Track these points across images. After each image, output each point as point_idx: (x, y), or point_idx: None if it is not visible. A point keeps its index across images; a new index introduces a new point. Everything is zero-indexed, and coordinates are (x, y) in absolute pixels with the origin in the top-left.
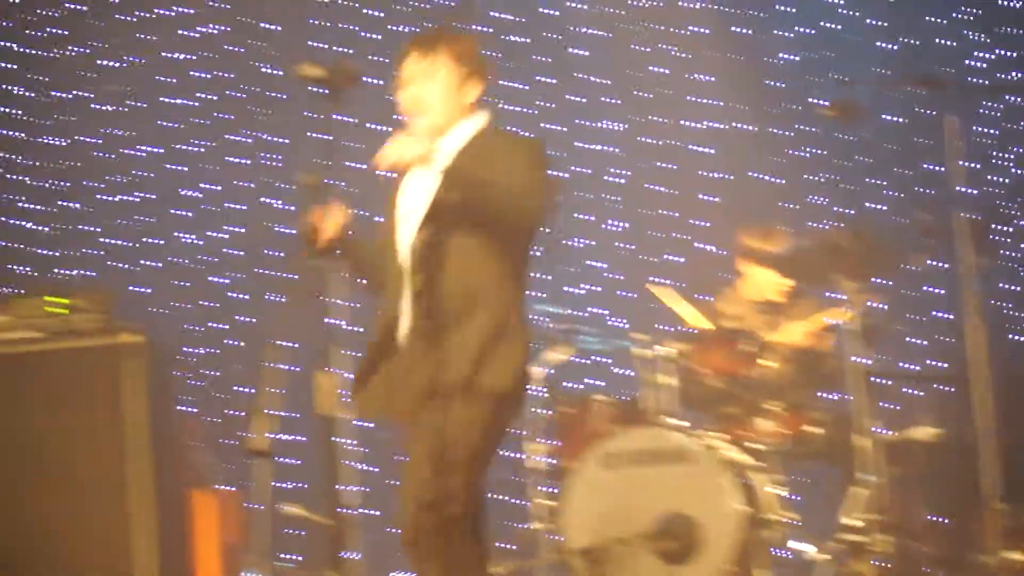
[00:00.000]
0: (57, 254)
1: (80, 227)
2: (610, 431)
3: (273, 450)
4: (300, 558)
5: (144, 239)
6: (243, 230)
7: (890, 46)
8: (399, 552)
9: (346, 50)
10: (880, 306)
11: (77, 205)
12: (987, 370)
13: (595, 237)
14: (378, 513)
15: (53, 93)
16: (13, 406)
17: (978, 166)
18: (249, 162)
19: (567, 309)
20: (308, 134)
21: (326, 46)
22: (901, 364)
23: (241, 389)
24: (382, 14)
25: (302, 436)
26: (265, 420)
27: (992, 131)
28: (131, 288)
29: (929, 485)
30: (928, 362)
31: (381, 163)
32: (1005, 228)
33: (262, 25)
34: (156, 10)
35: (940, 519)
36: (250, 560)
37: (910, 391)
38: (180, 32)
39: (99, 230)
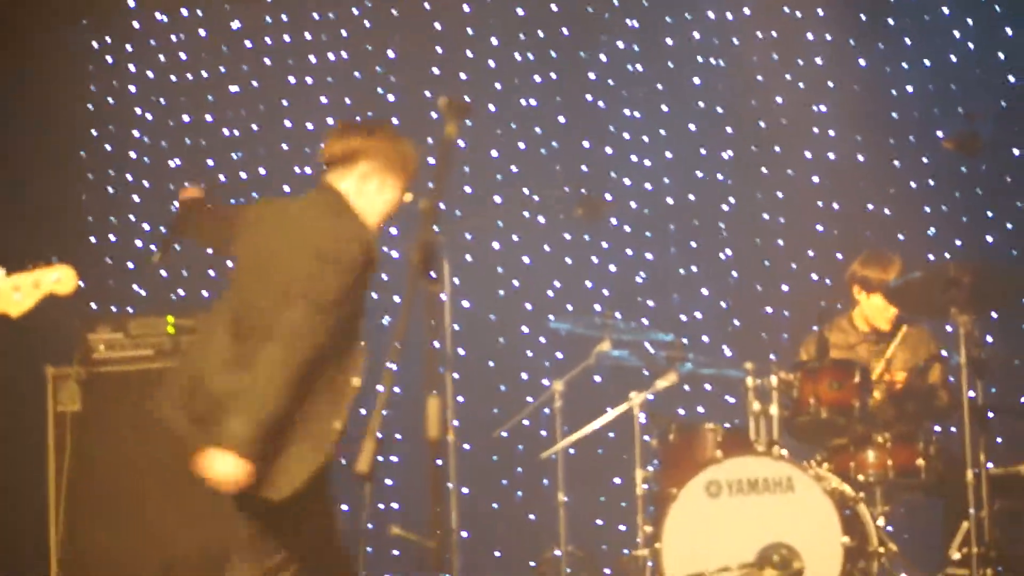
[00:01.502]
0: (176, 276)
1: (199, 249)
2: (715, 459)
3: (377, 473)
4: None
5: None
6: None
7: (1017, 80)
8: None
9: (462, 76)
10: (991, 340)
11: None
12: None
13: (705, 264)
14: (466, 535)
15: (175, 116)
16: (122, 422)
17: None
18: None
19: (674, 336)
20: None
21: (443, 73)
22: (1019, 399)
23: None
24: (497, 42)
25: (401, 458)
26: (373, 443)
27: None
28: None
29: None
30: None
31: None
32: None
33: (383, 53)
34: (280, 36)
35: None
36: None
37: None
38: (303, 58)
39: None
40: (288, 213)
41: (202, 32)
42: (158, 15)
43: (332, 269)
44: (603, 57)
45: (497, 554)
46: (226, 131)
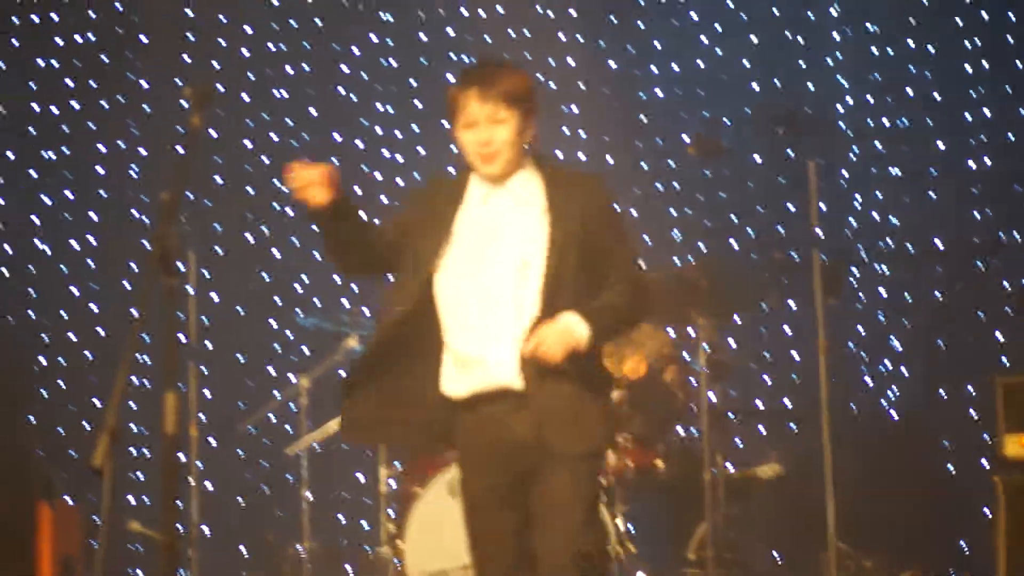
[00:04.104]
0: None
1: None
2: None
3: (116, 466)
4: (140, 573)
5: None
6: (99, 240)
7: (761, 88)
8: (231, 568)
9: (215, 64)
10: (732, 343)
11: None
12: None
13: None
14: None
15: None
16: None
17: (829, 210)
18: (109, 172)
19: None
20: (172, 147)
21: (194, 61)
22: (755, 401)
23: (93, 401)
24: (251, 31)
25: (148, 452)
26: (107, 437)
27: (853, 175)
28: None
29: (771, 522)
30: (782, 401)
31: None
32: (860, 271)
33: (133, 37)
34: (26, 16)
35: (780, 557)
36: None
37: (759, 428)
38: (49, 39)
39: None
40: None
41: None
42: None
43: None
44: (356, 50)
45: (241, 549)
46: None
